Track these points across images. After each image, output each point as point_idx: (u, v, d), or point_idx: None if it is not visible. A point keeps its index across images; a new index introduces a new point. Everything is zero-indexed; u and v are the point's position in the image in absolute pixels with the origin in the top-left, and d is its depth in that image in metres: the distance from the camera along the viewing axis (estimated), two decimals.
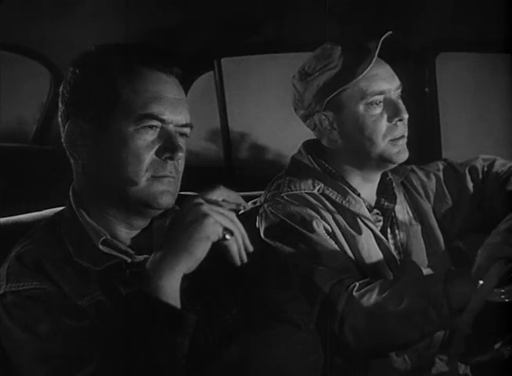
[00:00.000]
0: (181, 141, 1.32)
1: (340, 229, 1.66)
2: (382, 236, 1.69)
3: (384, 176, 1.78)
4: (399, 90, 1.67)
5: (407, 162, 1.79)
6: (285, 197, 1.68)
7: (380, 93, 1.64)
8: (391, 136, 1.65)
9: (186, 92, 1.39)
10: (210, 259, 1.20)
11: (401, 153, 1.67)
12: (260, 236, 1.64)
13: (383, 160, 1.67)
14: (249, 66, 3.14)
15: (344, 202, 1.69)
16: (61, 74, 2.76)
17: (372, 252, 1.67)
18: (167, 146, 1.28)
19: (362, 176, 1.73)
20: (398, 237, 1.75)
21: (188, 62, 2.59)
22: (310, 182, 1.71)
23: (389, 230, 1.75)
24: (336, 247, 1.62)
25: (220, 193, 1.24)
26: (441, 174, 1.87)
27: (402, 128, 1.66)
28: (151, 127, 1.28)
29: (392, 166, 1.71)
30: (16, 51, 2.77)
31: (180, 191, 1.35)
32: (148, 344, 1.14)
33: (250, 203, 1.79)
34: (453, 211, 1.83)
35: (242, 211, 1.25)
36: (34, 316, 1.21)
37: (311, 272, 1.55)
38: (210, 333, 1.29)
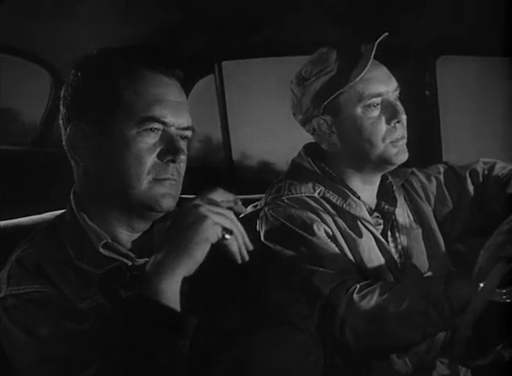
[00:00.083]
0: (182, 144, 1.32)
1: (340, 232, 1.66)
2: (383, 240, 1.69)
3: (384, 179, 1.79)
4: (397, 91, 1.67)
5: (407, 165, 1.79)
6: (285, 200, 1.68)
7: (378, 95, 1.64)
8: (390, 138, 1.65)
9: (187, 95, 1.39)
10: (210, 262, 1.20)
11: (400, 154, 1.67)
12: (260, 239, 1.64)
13: (382, 161, 1.67)
14: (249, 69, 3.14)
15: (344, 205, 1.69)
16: (62, 77, 2.76)
17: (372, 255, 1.66)
18: (169, 148, 1.29)
19: (362, 178, 1.73)
20: (398, 240, 1.75)
21: (188, 64, 2.58)
22: (310, 185, 1.71)
23: (389, 233, 1.75)
24: (336, 250, 1.62)
25: (218, 196, 1.25)
26: (441, 177, 1.87)
27: (401, 130, 1.66)
28: (153, 130, 1.28)
29: (392, 167, 1.71)
30: (16, 54, 2.76)
31: (180, 193, 1.35)
32: (148, 347, 1.14)
33: (250, 206, 1.80)
34: (454, 214, 1.83)
35: (242, 215, 1.26)
36: (34, 319, 1.21)
37: (312, 275, 1.55)
38: (211, 336, 1.29)
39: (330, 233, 1.65)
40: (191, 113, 1.35)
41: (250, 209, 1.78)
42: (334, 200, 1.69)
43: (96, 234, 1.31)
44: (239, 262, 1.24)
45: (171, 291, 1.17)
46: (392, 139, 1.65)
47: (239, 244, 1.23)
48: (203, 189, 1.28)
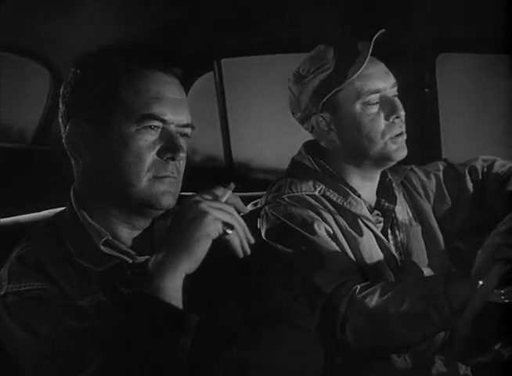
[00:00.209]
0: (182, 141, 1.32)
1: (341, 230, 1.66)
2: (383, 237, 1.69)
3: (383, 176, 1.79)
4: (395, 88, 1.68)
5: (407, 162, 1.79)
6: (286, 198, 1.68)
7: (376, 92, 1.64)
8: (389, 134, 1.65)
9: (187, 93, 1.39)
10: (211, 259, 1.20)
11: (399, 150, 1.67)
12: (261, 237, 1.64)
13: (382, 158, 1.67)
14: (249, 67, 3.14)
15: (345, 203, 1.69)
16: (61, 75, 2.76)
17: (373, 253, 1.67)
18: (169, 146, 1.28)
19: (362, 175, 1.73)
20: (398, 238, 1.75)
21: (188, 62, 2.58)
22: (311, 183, 1.71)
23: (389, 231, 1.75)
24: (337, 248, 1.62)
25: (219, 193, 1.25)
26: (441, 174, 1.87)
27: (400, 126, 1.67)
28: (152, 127, 1.28)
29: (391, 164, 1.71)
30: (16, 52, 2.76)
31: (180, 191, 1.35)
32: (149, 345, 1.14)
33: (250, 204, 1.80)
34: (453, 211, 1.83)
35: (242, 213, 1.26)
36: (35, 316, 1.21)
37: (313, 275, 1.55)
38: (212, 333, 1.29)
39: (331, 232, 1.65)
40: (191, 111, 1.35)
41: (250, 207, 1.78)
42: (335, 199, 1.69)
43: (96, 232, 1.31)
44: (241, 256, 1.23)
45: (173, 289, 1.17)
46: (391, 135, 1.65)
47: (240, 238, 1.22)
48: (202, 186, 1.28)
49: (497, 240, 1.35)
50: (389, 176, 1.80)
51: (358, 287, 1.52)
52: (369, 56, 1.61)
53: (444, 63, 2.35)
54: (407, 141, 1.69)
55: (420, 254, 1.75)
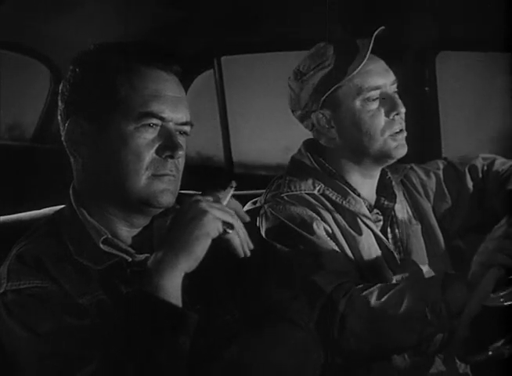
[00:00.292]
0: (181, 139, 1.32)
1: (340, 229, 1.66)
2: (382, 236, 1.69)
3: (383, 175, 1.79)
4: (395, 85, 1.68)
5: (407, 161, 1.79)
6: (285, 197, 1.68)
7: (376, 88, 1.64)
8: (390, 131, 1.65)
9: (186, 91, 1.39)
10: (210, 258, 1.20)
11: (399, 148, 1.67)
12: (260, 235, 1.64)
13: (382, 155, 1.68)
14: (249, 65, 3.14)
15: (344, 202, 1.69)
16: (61, 73, 2.76)
17: (372, 252, 1.67)
18: (168, 144, 1.28)
19: (362, 173, 1.73)
20: (398, 237, 1.75)
21: (188, 60, 2.59)
22: (310, 182, 1.71)
23: (389, 229, 1.75)
24: (336, 248, 1.62)
25: (221, 195, 1.25)
26: (440, 173, 1.87)
27: (400, 122, 1.67)
28: (151, 125, 1.28)
29: (391, 161, 1.71)
30: (15, 50, 2.77)
31: (180, 190, 1.35)
32: (149, 343, 1.14)
33: (250, 202, 1.80)
34: (453, 210, 1.83)
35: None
36: (34, 314, 1.21)
37: (312, 274, 1.55)
38: (211, 332, 1.29)
39: (330, 232, 1.65)
40: (190, 109, 1.35)
41: (249, 205, 1.78)
42: (334, 198, 1.69)
43: (96, 230, 1.31)
44: (242, 256, 1.24)
45: (173, 287, 1.17)
46: (391, 132, 1.65)
47: (240, 237, 1.23)
48: (202, 185, 1.28)
49: (491, 246, 1.37)
50: (389, 175, 1.80)
51: (356, 288, 1.52)
52: (369, 53, 1.61)
53: (444, 60, 2.34)
54: (407, 139, 1.69)
55: (420, 253, 1.75)
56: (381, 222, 1.74)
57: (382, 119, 1.65)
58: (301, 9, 2.24)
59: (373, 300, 1.48)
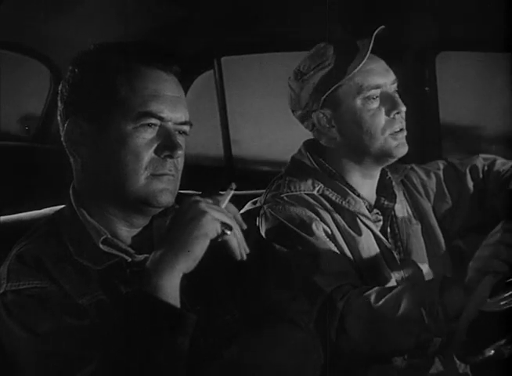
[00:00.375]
0: (180, 139, 1.32)
1: (339, 230, 1.66)
2: (382, 237, 1.69)
3: (383, 175, 1.79)
4: (395, 84, 1.68)
5: (407, 160, 1.79)
6: (285, 197, 1.68)
7: (377, 87, 1.64)
8: (390, 130, 1.65)
9: (186, 91, 1.40)
10: (209, 258, 1.20)
11: (400, 147, 1.67)
12: (260, 236, 1.64)
13: (382, 154, 1.68)
14: (249, 65, 3.14)
15: (343, 203, 1.69)
16: (61, 73, 2.76)
17: (372, 252, 1.67)
18: (167, 144, 1.28)
19: (362, 172, 1.73)
20: (398, 236, 1.75)
21: (188, 61, 2.59)
22: (310, 182, 1.71)
23: (389, 229, 1.75)
24: (335, 249, 1.62)
25: (220, 198, 1.26)
26: (441, 173, 1.87)
27: (401, 122, 1.67)
28: (150, 125, 1.28)
29: (392, 160, 1.71)
30: (16, 50, 2.77)
31: (180, 190, 1.35)
32: (148, 343, 1.14)
33: (250, 202, 1.80)
34: (453, 210, 1.83)
35: (242, 212, 1.26)
36: (34, 314, 1.21)
37: (310, 276, 1.55)
38: (211, 333, 1.29)
39: (329, 232, 1.65)
40: (190, 109, 1.35)
41: (249, 205, 1.78)
42: (333, 198, 1.69)
43: (96, 230, 1.31)
44: (239, 258, 1.24)
45: (171, 287, 1.17)
46: (392, 131, 1.65)
47: (238, 239, 1.23)
48: (202, 185, 1.28)
49: (487, 252, 1.37)
50: (389, 175, 1.80)
51: (354, 291, 1.52)
52: (369, 52, 1.61)
53: (444, 61, 2.34)
54: (407, 139, 1.69)
55: (420, 253, 1.75)
56: (381, 222, 1.74)
57: (382, 118, 1.65)
58: (301, 9, 2.24)
59: (370, 303, 1.48)
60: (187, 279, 1.20)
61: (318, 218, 1.64)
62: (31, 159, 2.82)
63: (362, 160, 1.70)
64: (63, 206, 1.40)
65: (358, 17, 2.18)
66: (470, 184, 1.83)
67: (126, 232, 1.35)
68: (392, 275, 1.66)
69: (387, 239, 1.72)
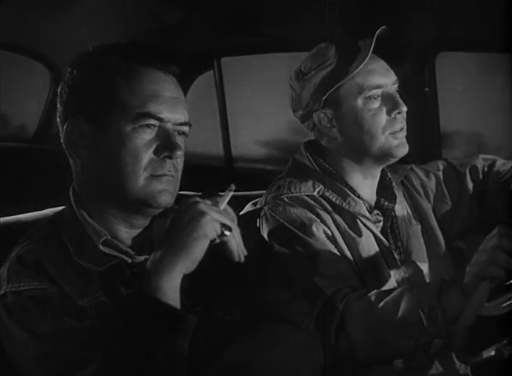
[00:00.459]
0: (179, 140, 1.32)
1: (340, 231, 1.66)
2: (382, 238, 1.69)
3: (383, 175, 1.79)
4: (396, 85, 1.68)
5: (407, 161, 1.79)
6: (285, 199, 1.68)
7: (378, 87, 1.65)
8: (390, 129, 1.66)
9: (186, 92, 1.40)
10: (209, 260, 1.20)
11: (400, 146, 1.68)
12: (260, 236, 1.64)
13: (383, 154, 1.68)
14: (249, 66, 3.14)
15: (343, 204, 1.69)
16: (61, 73, 2.76)
17: (372, 253, 1.66)
18: (166, 144, 1.28)
19: (363, 173, 1.73)
20: (398, 237, 1.75)
21: (188, 61, 2.59)
22: (310, 183, 1.71)
23: (389, 230, 1.75)
24: (335, 251, 1.62)
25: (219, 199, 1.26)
26: (441, 174, 1.87)
27: (401, 121, 1.67)
28: (149, 126, 1.28)
29: (393, 160, 1.71)
30: (15, 50, 2.76)
31: (180, 191, 1.35)
32: (148, 345, 1.14)
33: (250, 203, 1.80)
34: (453, 211, 1.83)
35: (243, 213, 1.27)
36: (34, 316, 1.21)
37: (310, 277, 1.55)
38: (211, 333, 1.29)
39: (329, 234, 1.64)
40: (190, 109, 1.35)
41: (249, 206, 1.78)
42: (334, 200, 1.69)
43: (96, 231, 1.31)
44: (237, 260, 1.24)
45: (171, 288, 1.17)
46: (392, 131, 1.66)
47: (237, 241, 1.23)
48: (201, 186, 1.28)
49: (483, 258, 1.36)
50: (389, 175, 1.80)
51: (353, 294, 1.52)
52: (371, 51, 1.61)
53: (444, 61, 2.34)
54: (407, 139, 1.69)
55: (420, 254, 1.75)
56: (381, 223, 1.74)
57: (383, 118, 1.65)
58: (301, 9, 2.24)
59: (369, 306, 1.48)
60: (187, 280, 1.20)
61: (318, 220, 1.64)
62: (31, 160, 2.82)
63: (363, 160, 1.70)
64: (63, 207, 1.40)
65: (359, 17, 2.18)
66: (470, 185, 1.84)
67: (126, 233, 1.35)
68: (392, 275, 1.66)
69: (388, 240, 1.72)
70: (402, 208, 1.78)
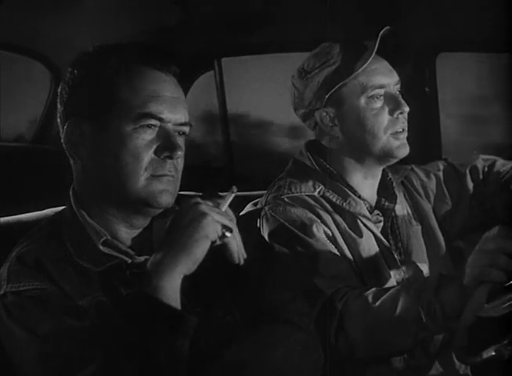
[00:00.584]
0: (180, 140, 1.32)
1: (340, 232, 1.66)
2: (382, 238, 1.69)
3: (384, 175, 1.79)
4: (398, 85, 1.69)
5: (407, 161, 1.79)
6: (285, 199, 1.68)
7: (381, 87, 1.65)
8: (392, 130, 1.66)
9: (187, 92, 1.40)
10: (210, 260, 1.21)
11: (402, 147, 1.68)
12: (261, 237, 1.64)
13: (384, 154, 1.68)
14: (249, 66, 3.14)
15: (344, 204, 1.68)
16: (61, 73, 2.76)
17: (372, 253, 1.66)
18: (166, 145, 1.28)
19: (363, 172, 1.73)
20: (398, 238, 1.75)
21: (188, 61, 2.58)
22: (311, 183, 1.71)
23: (389, 231, 1.75)
24: (335, 251, 1.62)
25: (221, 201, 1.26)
26: (441, 174, 1.87)
27: (403, 122, 1.67)
28: (149, 126, 1.28)
29: (393, 161, 1.71)
30: (15, 50, 2.76)
31: (180, 191, 1.35)
32: (148, 345, 1.14)
33: (250, 204, 1.80)
34: (453, 211, 1.83)
35: (243, 213, 1.27)
36: (34, 316, 1.21)
37: (310, 278, 1.55)
38: (211, 333, 1.29)
39: (330, 234, 1.64)
40: (191, 110, 1.35)
41: (250, 207, 1.78)
42: (334, 200, 1.69)
43: (96, 231, 1.31)
44: (236, 261, 1.24)
45: (171, 289, 1.17)
46: (393, 131, 1.66)
47: (237, 242, 1.23)
48: (202, 186, 1.28)
49: (485, 260, 1.33)
50: (389, 175, 1.80)
51: (352, 292, 1.52)
52: (375, 50, 1.61)
53: (444, 61, 2.35)
54: (407, 139, 1.69)
55: (420, 254, 1.75)
56: (382, 223, 1.74)
57: (386, 117, 1.65)
58: (302, 9, 2.24)
59: (368, 303, 1.48)
60: (188, 280, 1.20)
61: (318, 220, 1.64)
62: (31, 160, 2.82)
63: (364, 159, 1.70)
64: (63, 207, 1.40)
65: (359, 17, 2.18)
66: (470, 185, 1.84)
67: (126, 233, 1.35)
68: (393, 276, 1.66)
69: (388, 240, 1.72)
70: (402, 209, 1.78)
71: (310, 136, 1.80)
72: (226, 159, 2.99)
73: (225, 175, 2.99)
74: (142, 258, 1.31)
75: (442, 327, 1.43)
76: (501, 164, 1.84)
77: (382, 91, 1.65)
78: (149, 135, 1.28)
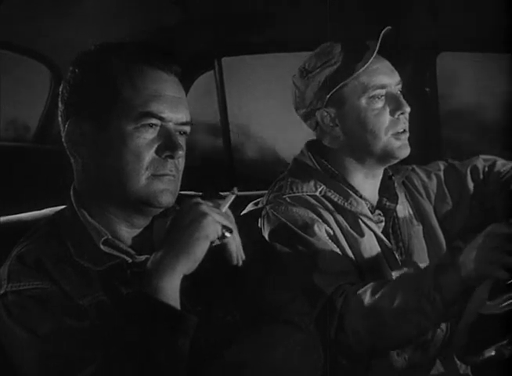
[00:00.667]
0: (181, 139, 1.32)
1: (341, 231, 1.66)
2: (384, 238, 1.69)
3: (385, 176, 1.78)
4: (399, 85, 1.68)
5: (408, 162, 1.79)
6: (287, 198, 1.68)
7: (382, 87, 1.65)
8: (393, 130, 1.66)
9: (187, 92, 1.40)
10: (210, 260, 1.21)
11: (403, 148, 1.68)
12: (261, 236, 1.64)
13: (385, 154, 1.68)
14: (249, 66, 3.14)
15: (345, 204, 1.68)
16: (61, 73, 2.76)
17: (374, 253, 1.66)
18: (167, 144, 1.28)
19: (365, 172, 1.73)
20: (399, 237, 1.75)
21: (188, 61, 2.58)
22: (312, 183, 1.71)
23: (391, 231, 1.75)
24: (337, 250, 1.62)
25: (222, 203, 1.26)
26: (441, 174, 1.87)
27: (404, 122, 1.67)
28: (151, 125, 1.28)
29: (394, 161, 1.71)
30: (15, 50, 2.76)
31: (181, 190, 1.35)
32: (148, 345, 1.14)
33: (251, 203, 1.80)
34: (454, 211, 1.83)
35: (244, 212, 1.27)
36: (35, 315, 1.21)
37: (312, 276, 1.55)
38: (211, 333, 1.29)
39: (331, 233, 1.64)
40: (191, 109, 1.35)
41: (251, 206, 1.78)
42: (335, 199, 1.69)
43: (96, 231, 1.31)
44: (235, 262, 1.24)
45: (171, 289, 1.17)
46: (394, 132, 1.66)
47: (237, 243, 1.23)
48: (203, 185, 1.28)
49: (488, 257, 1.32)
50: (391, 175, 1.80)
51: (351, 287, 1.52)
52: (377, 50, 1.61)
53: (445, 61, 2.35)
54: (409, 141, 1.69)
55: (421, 254, 1.75)
56: (383, 223, 1.74)
57: (387, 118, 1.65)
58: (302, 9, 2.24)
59: (367, 297, 1.48)
60: (188, 280, 1.20)
61: (320, 220, 1.64)
62: (31, 160, 2.82)
63: (365, 159, 1.70)
64: (63, 207, 1.40)
65: (359, 17, 2.18)
66: (471, 185, 1.84)
67: (127, 232, 1.35)
68: (394, 276, 1.66)
69: (389, 240, 1.72)
70: (403, 209, 1.78)
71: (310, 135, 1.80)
72: (227, 159, 2.99)
73: (225, 175, 2.99)
74: (143, 258, 1.31)
75: (443, 315, 1.42)
76: (501, 164, 1.84)
77: (383, 91, 1.65)
78: (150, 135, 1.28)
